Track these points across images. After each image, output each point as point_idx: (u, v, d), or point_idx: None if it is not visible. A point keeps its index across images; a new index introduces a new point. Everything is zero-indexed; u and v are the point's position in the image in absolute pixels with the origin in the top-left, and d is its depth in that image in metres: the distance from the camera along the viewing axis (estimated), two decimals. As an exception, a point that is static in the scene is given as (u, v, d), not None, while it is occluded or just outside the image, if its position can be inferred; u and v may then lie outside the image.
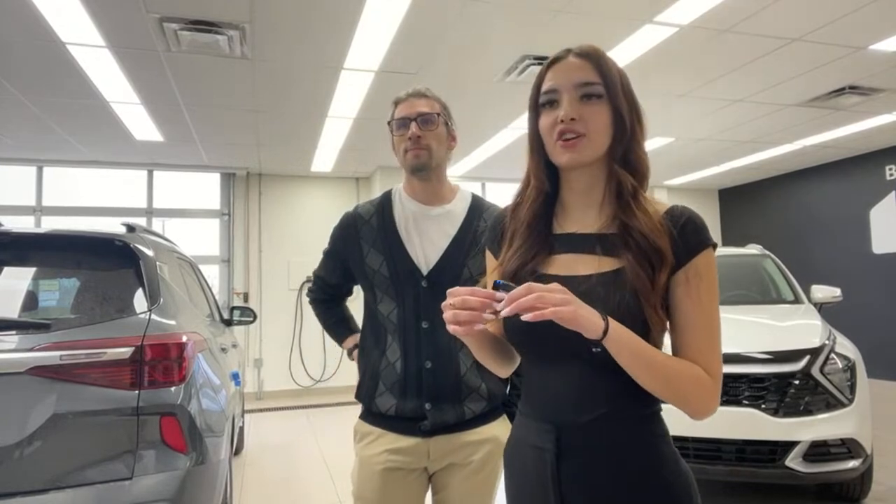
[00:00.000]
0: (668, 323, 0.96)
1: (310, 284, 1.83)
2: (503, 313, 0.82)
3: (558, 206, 1.06)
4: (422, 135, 1.49)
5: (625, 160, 0.98)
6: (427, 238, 1.54)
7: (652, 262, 0.92)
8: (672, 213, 0.96)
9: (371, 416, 1.55)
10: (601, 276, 0.94)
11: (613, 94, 0.96)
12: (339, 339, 1.79)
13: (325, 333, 1.84)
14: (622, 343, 0.86)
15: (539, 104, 1.01)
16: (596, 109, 0.95)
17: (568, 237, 1.02)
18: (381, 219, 1.58)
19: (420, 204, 1.58)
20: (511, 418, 1.57)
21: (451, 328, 0.87)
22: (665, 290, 0.94)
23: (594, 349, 0.88)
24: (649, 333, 0.91)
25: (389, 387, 1.51)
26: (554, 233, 1.04)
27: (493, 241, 1.14)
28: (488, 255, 1.15)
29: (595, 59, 0.97)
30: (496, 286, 0.86)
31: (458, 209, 1.58)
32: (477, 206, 1.59)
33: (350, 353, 1.73)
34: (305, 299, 7.34)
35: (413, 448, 1.48)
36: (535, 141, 1.03)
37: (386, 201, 1.62)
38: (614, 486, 0.93)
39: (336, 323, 1.80)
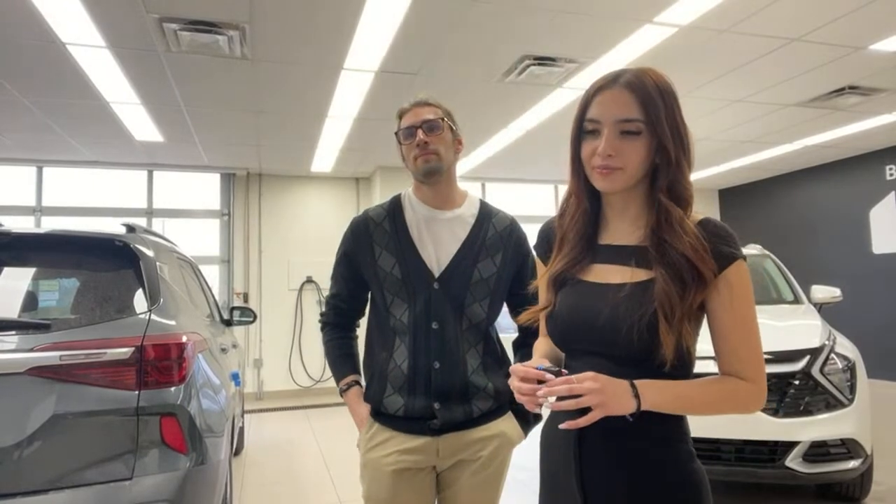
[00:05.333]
0: (693, 335, 1.01)
1: (321, 309, 1.79)
2: (543, 401, 0.96)
3: (601, 217, 1.13)
4: (429, 140, 1.53)
5: (669, 189, 1.02)
6: (438, 241, 1.57)
7: (684, 280, 0.97)
8: (703, 225, 1.02)
9: (380, 416, 1.57)
10: (632, 286, 1.01)
11: (656, 129, 0.99)
12: (341, 374, 1.70)
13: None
14: (657, 405, 0.96)
15: (582, 129, 1.05)
16: (634, 146, 0.99)
17: (608, 248, 1.09)
18: (393, 222, 1.60)
19: (431, 208, 1.60)
20: (517, 415, 1.59)
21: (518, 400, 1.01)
22: (699, 305, 1.00)
23: (629, 418, 0.96)
24: (661, 347, 0.96)
25: (397, 388, 1.52)
26: (599, 243, 1.11)
27: (542, 249, 1.23)
28: (538, 261, 1.25)
29: (641, 91, 0.99)
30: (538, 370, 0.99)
31: (467, 213, 1.62)
32: (486, 212, 1.64)
33: (343, 393, 1.68)
34: (306, 299, 7.41)
35: (423, 447, 1.50)
36: (577, 162, 1.08)
37: (396, 205, 1.64)
38: (630, 472, 1.00)
39: (343, 356, 1.71)
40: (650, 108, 0.98)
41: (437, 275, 1.54)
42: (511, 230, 1.63)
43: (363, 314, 1.76)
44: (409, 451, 1.50)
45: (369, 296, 1.68)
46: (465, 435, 1.51)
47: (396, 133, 1.59)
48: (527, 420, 1.61)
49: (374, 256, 1.59)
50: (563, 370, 0.99)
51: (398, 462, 1.50)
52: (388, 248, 1.58)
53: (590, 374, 0.93)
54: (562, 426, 0.96)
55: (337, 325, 1.73)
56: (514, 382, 1.01)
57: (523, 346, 1.67)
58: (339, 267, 1.69)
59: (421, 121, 1.54)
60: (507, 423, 1.57)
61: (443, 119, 1.56)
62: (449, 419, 1.49)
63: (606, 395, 0.91)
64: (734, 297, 0.98)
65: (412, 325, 1.52)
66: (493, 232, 1.60)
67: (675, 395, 0.97)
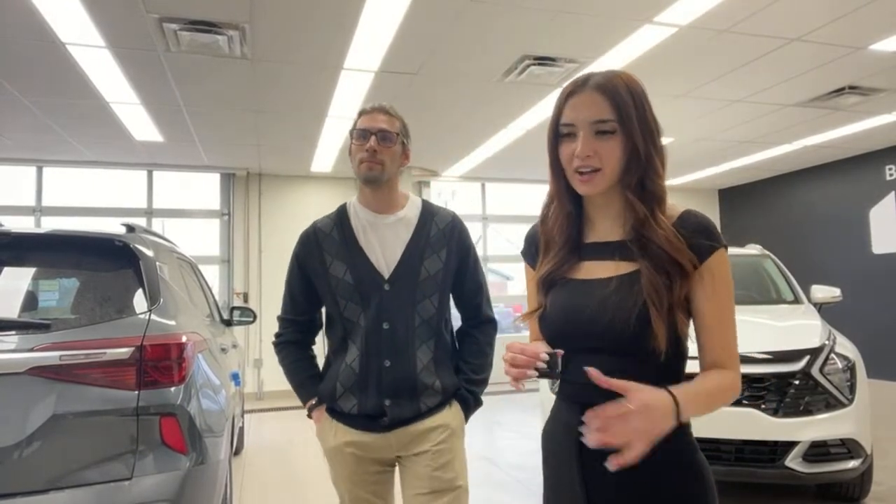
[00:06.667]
0: (686, 325, 1.04)
1: (275, 331, 1.78)
2: (590, 441, 0.92)
3: (585, 217, 1.15)
4: (378, 150, 1.59)
5: (641, 186, 1.04)
6: (385, 244, 1.64)
7: (668, 271, 1.00)
8: (683, 219, 1.04)
9: (335, 413, 1.63)
10: (619, 279, 1.03)
11: (628, 128, 1.01)
12: (307, 395, 1.70)
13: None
14: (687, 416, 0.95)
15: (558, 134, 1.07)
16: (610, 145, 1.02)
17: (594, 245, 1.12)
18: (342, 230, 1.67)
19: (374, 213, 1.67)
20: (460, 401, 1.66)
21: (507, 372, 1.03)
22: (685, 297, 1.02)
23: None
24: (653, 336, 0.98)
25: (349, 387, 1.59)
26: (584, 242, 1.13)
27: (529, 254, 1.25)
28: (526, 267, 1.28)
29: (611, 93, 1.01)
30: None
31: (410, 215, 1.69)
32: (428, 211, 1.71)
33: (311, 411, 1.70)
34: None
35: (376, 442, 1.59)
36: (556, 166, 1.10)
37: (343, 214, 1.71)
38: (634, 469, 0.96)
39: (309, 378, 1.72)
40: (622, 107, 1.01)
41: (387, 277, 1.61)
42: (453, 226, 1.70)
43: (320, 327, 1.78)
44: (365, 447, 1.59)
45: (324, 310, 1.72)
46: (412, 428, 1.58)
47: (351, 131, 1.65)
48: (468, 405, 1.68)
49: (325, 266, 1.64)
50: (559, 350, 1.02)
51: (357, 452, 1.59)
52: (338, 256, 1.64)
53: (638, 406, 0.89)
54: (611, 467, 0.90)
55: (297, 342, 1.76)
56: (507, 355, 1.02)
57: (467, 336, 1.75)
58: (293, 282, 1.73)
59: (377, 128, 1.60)
60: (449, 414, 1.63)
61: (397, 134, 1.63)
62: (398, 416, 1.56)
63: (652, 424, 0.90)
64: (716, 286, 1.01)
65: (364, 328, 1.58)
66: (436, 230, 1.67)
67: (705, 398, 0.98)
